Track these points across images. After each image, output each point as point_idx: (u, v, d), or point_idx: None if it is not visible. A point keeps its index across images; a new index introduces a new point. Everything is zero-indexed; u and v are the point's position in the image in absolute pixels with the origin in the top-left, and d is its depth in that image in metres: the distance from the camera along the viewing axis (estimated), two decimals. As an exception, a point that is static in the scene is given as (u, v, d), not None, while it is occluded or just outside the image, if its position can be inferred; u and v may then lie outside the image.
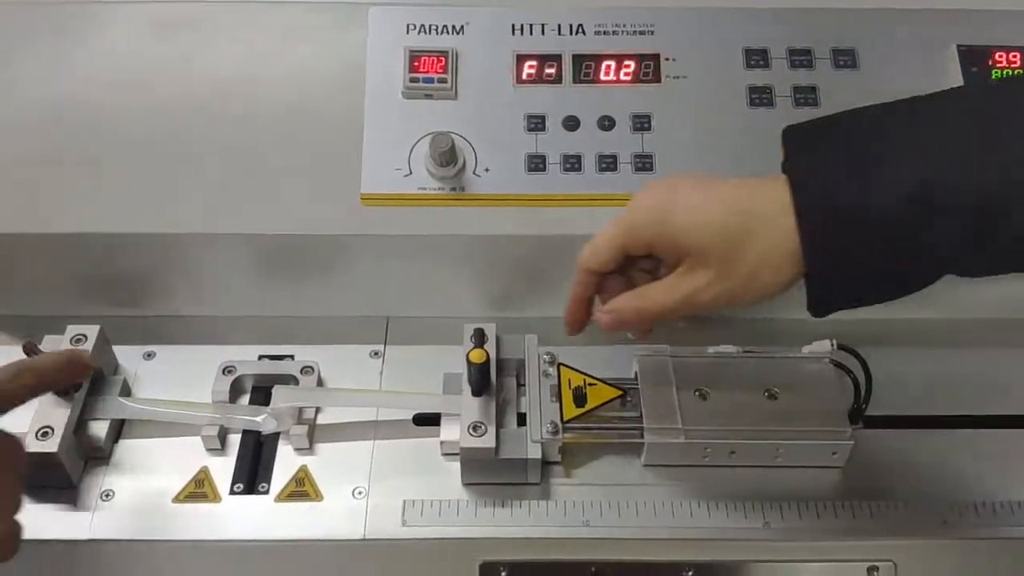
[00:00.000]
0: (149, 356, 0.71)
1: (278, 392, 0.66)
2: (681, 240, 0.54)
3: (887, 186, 0.50)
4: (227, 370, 0.68)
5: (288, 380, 0.68)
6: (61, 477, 0.62)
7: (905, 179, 0.50)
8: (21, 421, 0.63)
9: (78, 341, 0.66)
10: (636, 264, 0.60)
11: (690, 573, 0.63)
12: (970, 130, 0.51)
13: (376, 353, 0.72)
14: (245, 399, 0.69)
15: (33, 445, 0.61)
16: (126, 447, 0.66)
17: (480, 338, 0.65)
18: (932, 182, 0.49)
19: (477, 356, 0.63)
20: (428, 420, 0.67)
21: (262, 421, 0.65)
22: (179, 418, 0.65)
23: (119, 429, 0.66)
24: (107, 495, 0.63)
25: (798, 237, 0.51)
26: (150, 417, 0.65)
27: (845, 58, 0.74)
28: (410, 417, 0.68)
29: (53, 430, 0.61)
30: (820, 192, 0.52)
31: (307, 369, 0.68)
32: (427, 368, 0.70)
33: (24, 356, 0.63)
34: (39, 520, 0.62)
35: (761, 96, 0.72)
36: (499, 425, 0.64)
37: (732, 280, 0.54)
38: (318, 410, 0.67)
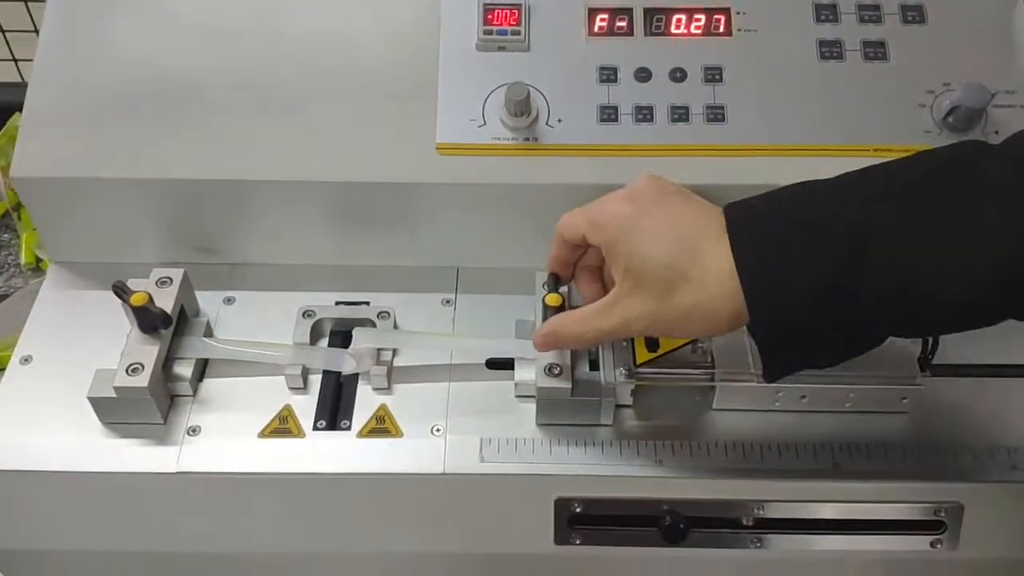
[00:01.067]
0: (229, 301, 0.73)
1: (359, 333, 0.67)
2: (627, 263, 0.56)
3: (822, 250, 0.51)
4: (307, 314, 0.70)
5: (365, 324, 0.70)
6: (150, 413, 0.64)
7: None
8: (110, 359, 0.65)
9: (163, 284, 0.68)
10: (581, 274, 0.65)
11: (760, 511, 0.64)
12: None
13: (447, 301, 0.74)
14: (323, 342, 0.70)
15: (124, 380, 0.63)
16: (210, 386, 0.68)
17: (555, 283, 0.66)
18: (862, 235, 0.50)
19: (553, 300, 0.65)
20: (500, 365, 0.69)
21: (344, 361, 0.67)
22: (263, 358, 0.67)
23: (203, 369, 0.68)
24: (194, 431, 0.65)
25: (734, 302, 0.52)
26: (236, 357, 0.67)
27: (913, 13, 0.74)
28: (483, 361, 0.69)
29: (143, 366, 0.63)
30: (761, 270, 0.52)
31: (384, 314, 0.70)
32: (497, 316, 0.71)
33: (115, 296, 0.65)
34: (130, 455, 0.64)
35: (831, 50, 0.73)
36: (573, 368, 0.65)
37: (665, 316, 0.55)
38: (395, 353, 0.69)
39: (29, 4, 1.23)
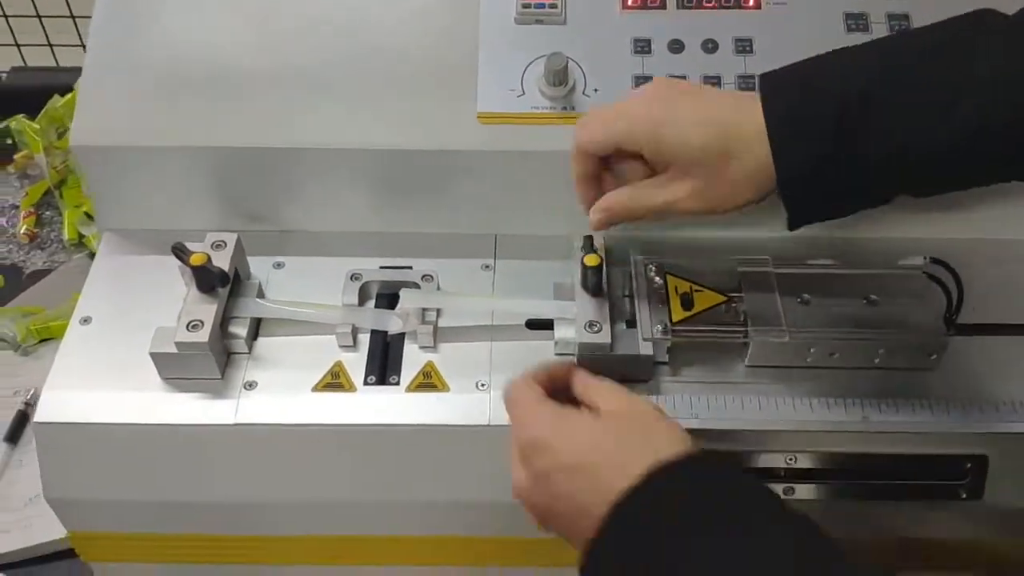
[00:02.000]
0: (278, 266, 0.76)
1: (405, 294, 0.70)
2: (669, 154, 0.60)
3: (834, 87, 0.57)
4: (354, 276, 0.73)
5: (410, 286, 0.73)
6: (209, 368, 0.67)
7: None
8: (165, 319, 0.68)
9: (218, 247, 0.71)
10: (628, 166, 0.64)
11: (793, 461, 0.67)
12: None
13: (487, 266, 0.76)
14: (370, 304, 0.73)
15: (185, 336, 0.66)
16: (263, 344, 0.71)
17: (591, 244, 0.69)
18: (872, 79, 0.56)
19: (592, 260, 0.67)
20: (540, 325, 0.72)
21: (391, 321, 0.70)
22: (315, 317, 0.70)
23: (256, 329, 0.71)
24: (250, 385, 0.68)
25: (772, 162, 0.57)
26: (289, 316, 0.70)
27: (937, -15, 0.77)
28: (523, 322, 0.72)
29: (203, 323, 0.66)
30: (786, 115, 0.58)
31: (427, 277, 0.73)
32: (535, 280, 0.74)
33: (174, 257, 0.68)
34: (190, 408, 0.67)
35: (857, 22, 0.76)
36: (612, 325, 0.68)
37: (712, 192, 0.60)
38: (439, 314, 0.72)
39: (65, -10, 1.26)
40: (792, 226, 0.62)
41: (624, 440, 0.54)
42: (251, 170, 0.75)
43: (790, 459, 0.67)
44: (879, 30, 0.76)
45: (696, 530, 0.49)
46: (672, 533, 0.49)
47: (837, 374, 0.69)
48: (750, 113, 0.58)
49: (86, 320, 0.72)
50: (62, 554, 0.84)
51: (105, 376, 0.69)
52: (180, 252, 0.68)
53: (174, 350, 0.66)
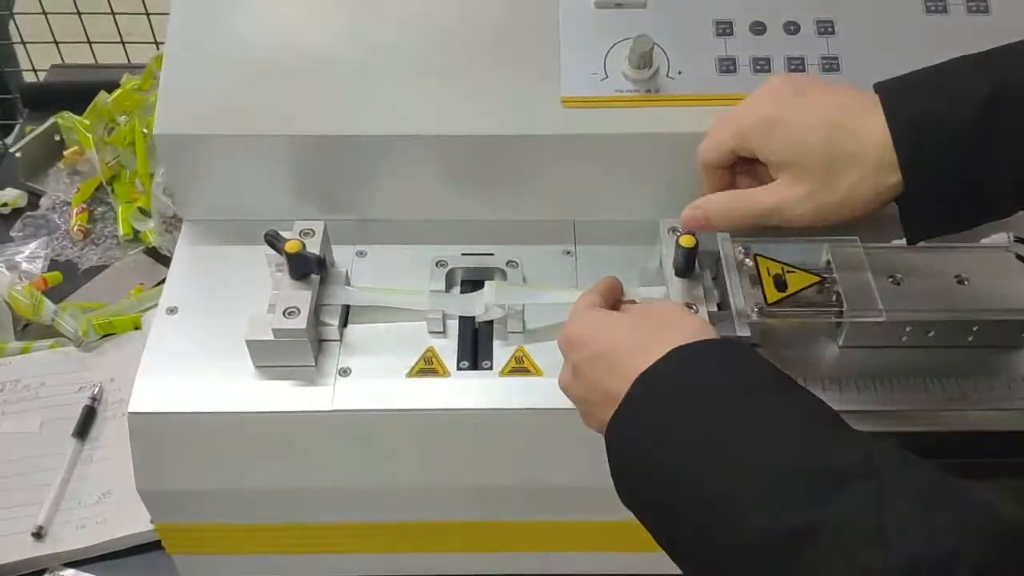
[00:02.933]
0: (361, 255, 0.76)
1: (489, 288, 0.69)
2: (783, 155, 0.58)
3: (966, 94, 0.54)
4: (440, 263, 0.73)
5: (495, 273, 0.72)
6: (304, 355, 0.67)
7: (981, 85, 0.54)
8: (251, 307, 0.68)
9: (306, 235, 0.70)
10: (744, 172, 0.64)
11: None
12: None
13: (568, 252, 0.76)
14: (455, 291, 0.73)
15: (282, 323, 0.65)
16: (354, 332, 0.70)
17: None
18: (1006, 82, 0.53)
19: (687, 240, 0.67)
20: (627, 310, 0.72)
21: (477, 306, 0.69)
22: (406, 303, 0.70)
23: (345, 317, 0.71)
24: (344, 372, 0.68)
25: (896, 173, 0.55)
26: (380, 303, 0.70)
27: (1013, -33, 0.77)
28: (612, 306, 0.72)
29: (299, 310, 0.66)
30: (914, 121, 0.55)
31: (512, 263, 0.73)
32: (618, 264, 0.74)
33: (264, 247, 0.68)
34: (286, 395, 0.67)
35: (936, 3, 0.76)
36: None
37: (826, 198, 0.57)
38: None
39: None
40: (913, 240, 0.59)
41: (648, 329, 0.56)
42: (331, 158, 0.75)
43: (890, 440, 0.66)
44: (957, 11, 0.76)
45: (712, 399, 0.51)
46: (688, 403, 0.51)
47: (931, 352, 0.69)
48: (871, 119, 0.56)
49: (172, 310, 0.72)
50: (137, 549, 0.83)
51: (196, 365, 0.69)
52: (274, 240, 0.67)
53: (271, 337, 0.66)
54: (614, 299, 0.64)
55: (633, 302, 0.65)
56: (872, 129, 0.56)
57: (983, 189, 0.55)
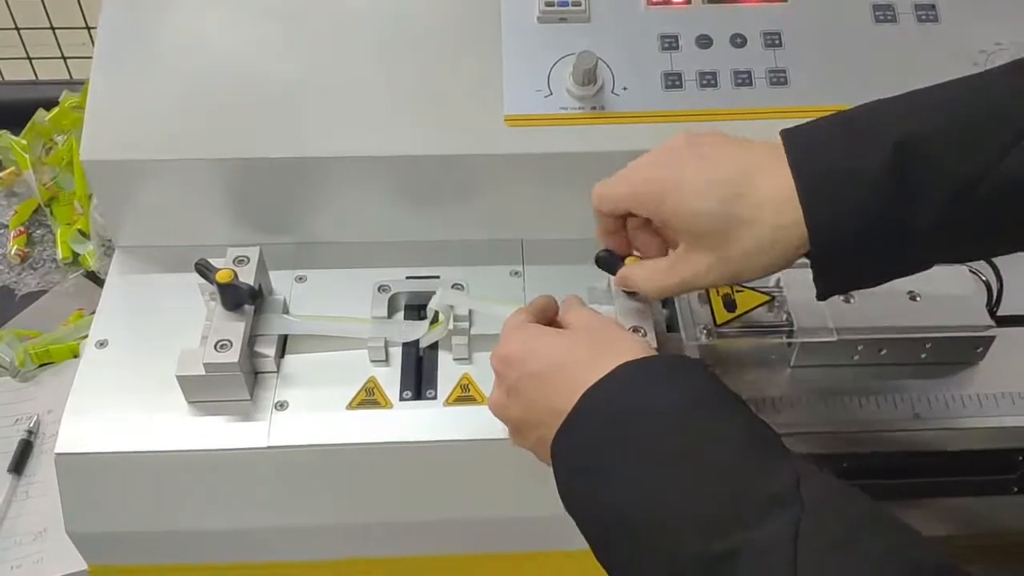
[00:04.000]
0: (300, 280, 0.73)
1: (437, 297, 0.67)
2: (675, 225, 0.55)
3: (875, 146, 0.51)
4: (382, 288, 0.70)
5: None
6: (238, 389, 0.64)
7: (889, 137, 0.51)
8: (185, 339, 0.65)
9: (240, 262, 0.68)
10: (640, 236, 0.62)
11: (844, 464, 0.65)
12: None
13: (516, 272, 0.74)
14: (399, 316, 0.71)
15: (213, 357, 0.63)
16: (291, 362, 0.68)
17: (607, 262, 0.66)
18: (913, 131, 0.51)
19: (633, 261, 0.65)
20: (575, 332, 0.70)
21: (422, 330, 0.67)
22: (346, 332, 0.67)
23: (283, 346, 0.68)
24: (281, 405, 0.65)
25: (800, 228, 0.51)
26: (319, 332, 0.67)
27: (961, -24, 0.76)
28: (559, 329, 0.70)
29: (231, 343, 0.63)
30: (820, 169, 0.52)
31: (457, 285, 0.71)
32: (568, 285, 0.72)
33: (196, 276, 0.65)
34: (219, 432, 0.64)
35: (884, 13, 0.75)
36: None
37: (727, 267, 0.55)
38: (471, 324, 0.69)
39: (45, 1, 1.22)
40: (823, 296, 0.55)
41: (593, 345, 0.55)
42: (268, 181, 0.72)
43: (843, 463, 0.65)
44: (906, 20, 0.75)
45: (656, 418, 0.49)
46: (633, 421, 0.50)
47: (883, 370, 0.68)
48: (770, 177, 0.52)
49: (102, 344, 0.69)
50: (76, 588, 0.80)
51: (127, 401, 0.66)
52: (205, 269, 0.65)
53: (202, 372, 0.63)
54: (547, 319, 0.62)
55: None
56: (770, 189, 0.52)
57: (896, 241, 0.52)
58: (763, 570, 0.42)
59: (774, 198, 0.52)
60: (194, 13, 0.73)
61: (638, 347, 0.55)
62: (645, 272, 0.61)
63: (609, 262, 0.64)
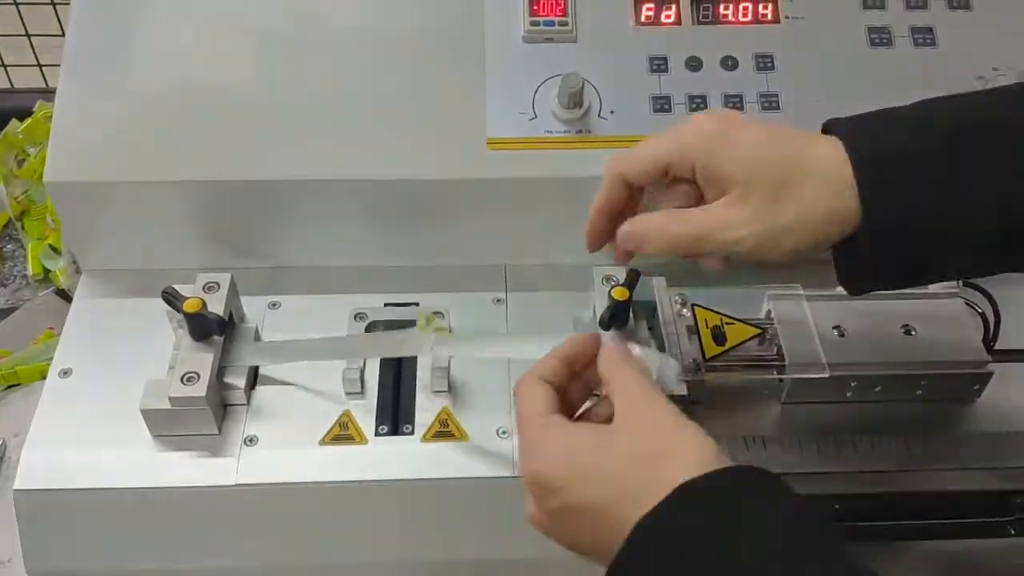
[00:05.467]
0: (274, 306, 0.70)
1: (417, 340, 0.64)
2: (730, 168, 0.51)
3: (931, 131, 0.50)
4: (359, 316, 0.68)
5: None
6: (206, 423, 0.62)
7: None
8: (152, 369, 0.63)
9: (210, 289, 0.65)
10: (671, 193, 0.55)
11: (837, 506, 0.63)
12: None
13: (499, 300, 0.72)
14: (376, 345, 0.68)
15: (180, 391, 0.60)
16: (263, 394, 0.65)
17: (635, 277, 0.64)
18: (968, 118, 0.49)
19: (620, 293, 0.63)
20: (560, 363, 0.67)
21: (408, 343, 0.63)
22: (319, 355, 0.64)
23: (254, 377, 0.66)
24: (251, 440, 0.63)
25: (852, 197, 0.49)
26: (292, 359, 0.65)
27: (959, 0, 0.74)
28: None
29: (198, 375, 0.61)
30: (870, 145, 0.50)
31: (438, 313, 0.68)
32: (552, 313, 0.70)
33: (164, 303, 0.63)
34: (185, 468, 0.61)
35: (880, 36, 0.73)
36: (641, 364, 0.63)
37: (772, 221, 0.50)
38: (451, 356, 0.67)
39: (20, 8, 1.19)
40: (857, 292, 0.53)
41: (638, 462, 0.46)
42: (242, 204, 0.69)
43: (835, 504, 0.63)
44: (903, 44, 0.73)
45: (710, 559, 0.42)
46: (695, 558, 0.42)
47: (878, 408, 0.65)
48: (823, 143, 0.50)
49: (66, 372, 0.66)
50: (39, 622, 0.77)
51: (90, 435, 0.63)
52: (172, 298, 0.62)
53: (167, 406, 0.60)
54: (572, 372, 0.53)
55: None
56: (825, 150, 0.50)
57: (949, 223, 0.49)
58: None
59: (831, 156, 0.50)
60: (165, 29, 0.70)
61: (697, 450, 0.46)
62: (661, 219, 0.54)
63: (617, 317, 0.62)
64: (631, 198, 0.57)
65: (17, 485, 0.61)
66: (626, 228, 0.55)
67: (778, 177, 0.50)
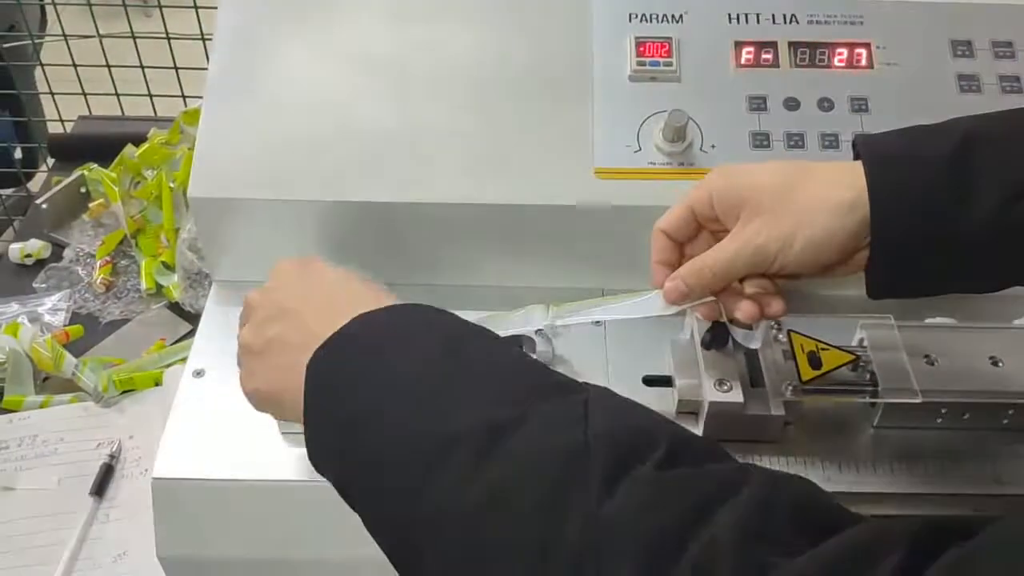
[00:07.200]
0: (389, 319, 0.75)
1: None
2: (740, 192, 0.58)
3: (942, 138, 0.55)
4: (470, 331, 0.72)
5: (525, 341, 0.72)
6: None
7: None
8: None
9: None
10: (703, 244, 0.62)
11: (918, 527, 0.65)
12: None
13: (598, 322, 0.76)
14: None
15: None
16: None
17: (713, 338, 0.68)
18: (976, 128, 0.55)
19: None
20: (657, 382, 0.71)
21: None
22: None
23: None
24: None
25: (860, 195, 0.54)
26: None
27: (1045, 49, 0.78)
28: (640, 379, 0.71)
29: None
30: (882, 143, 0.57)
31: (540, 332, 0.72)
32: (649, 334, 0.73)
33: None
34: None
35: (969, 84, 0.76)
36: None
37: (784, 222, 0.56)
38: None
39: (137, 41, 1.27)
40: (876, 296, 0.58)
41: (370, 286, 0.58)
42: (364, 224, 0.75)
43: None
44: (991, 91, 0.76)
45: (394, 352, 0.51)
46: (372, 359, 0.51)
47: (966, 435, 0.68)
48: (837, 162, 0.58)
49: (199, 372, 0.71)
50: (152, 612, 0.82)
51: (222, 430, 0.68)
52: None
53: (299, 405, 0.65)
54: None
55: None
56: (836, 162, 0.57)
57: (951, 229, 0.54)
58: (553, 428, 0.44)
59: (835, 169, 0.57)
60: (299, 59, 0.76)
61: (380, 297, 0.57)
62: (693, 260, 0.60)
63: (717, 338, 0.66)
64: (682, 255, 0.63)
65: (155, 474, 0.66)
66: (667, 283, 0.61)
67: (785, 182, 0.57)
